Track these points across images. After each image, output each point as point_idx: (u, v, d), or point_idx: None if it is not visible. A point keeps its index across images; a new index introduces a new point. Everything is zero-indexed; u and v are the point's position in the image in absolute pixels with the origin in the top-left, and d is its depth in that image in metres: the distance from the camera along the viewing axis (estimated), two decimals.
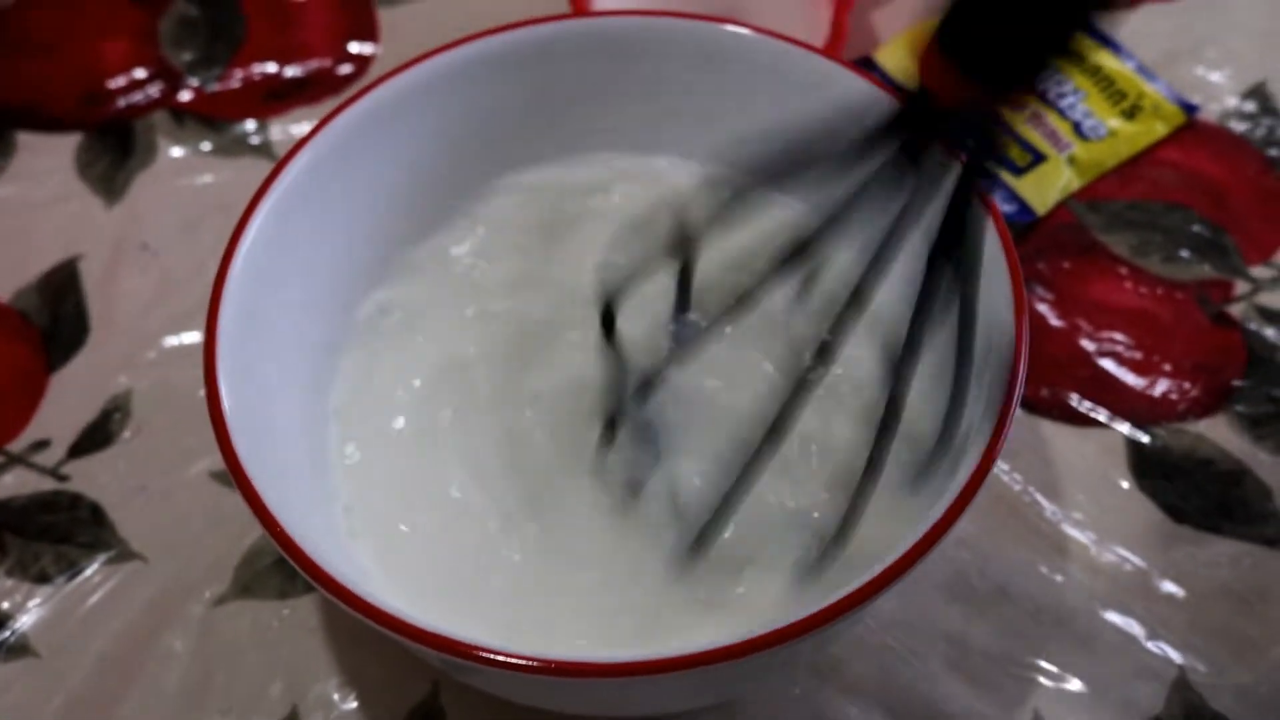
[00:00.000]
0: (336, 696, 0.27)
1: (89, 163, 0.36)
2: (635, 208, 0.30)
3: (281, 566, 0.28)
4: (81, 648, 0.27)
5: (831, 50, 0.34)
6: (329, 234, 0.28)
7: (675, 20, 0.28)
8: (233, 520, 0.28)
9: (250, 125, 0.37)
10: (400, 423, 0.27)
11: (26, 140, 0.37)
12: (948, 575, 0.28)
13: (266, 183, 0.26)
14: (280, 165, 0.26)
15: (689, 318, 0.26)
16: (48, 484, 0.30)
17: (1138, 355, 0.31)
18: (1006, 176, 0.34)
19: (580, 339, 0.27)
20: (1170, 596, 0.28)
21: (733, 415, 0.26)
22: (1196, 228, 0.34)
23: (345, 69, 0.38)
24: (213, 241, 0.33)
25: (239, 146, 0.36)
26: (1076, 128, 0.35)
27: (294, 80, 0.38)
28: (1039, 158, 0.35)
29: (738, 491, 0.23)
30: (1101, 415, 0.31)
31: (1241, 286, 0.33)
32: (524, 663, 0.20)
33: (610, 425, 0.26)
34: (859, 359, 0.26)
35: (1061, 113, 0.35)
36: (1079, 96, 0.36)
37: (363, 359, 0.28)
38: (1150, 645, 0.27)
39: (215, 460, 0.23)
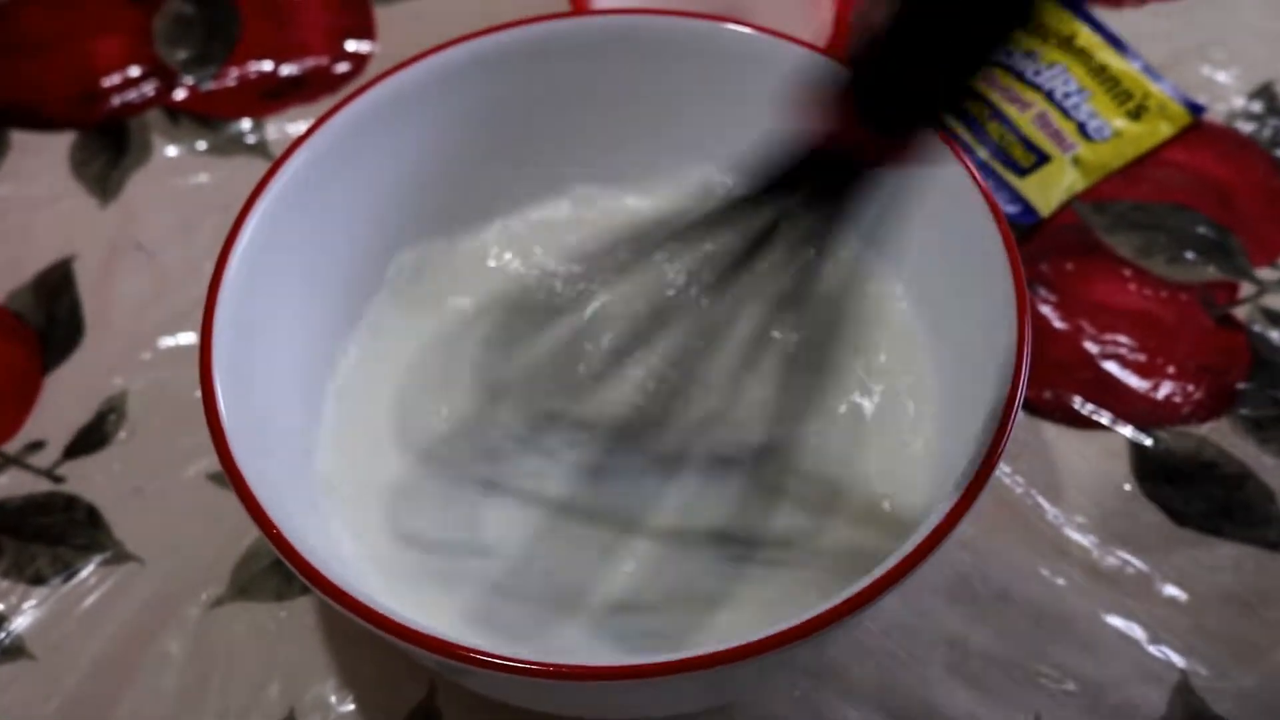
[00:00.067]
0: (334, 698, 0.27)
1: (83, 162, 0.36)
2: (636, 207, 0.30)
3: (278, 568, 0.28)
4: (77, 650, 0.27)
5: (833, 49, 0.33)
6: (326, 234, 0.27)
7: (676, 19, 0.28)
8: (229, 522, 0.28)
9: (246, 124, 0.36)
10: (398, 423, 0.27)
11: (20, 139, 0.36)
12: (949, 578, 0.28)
13: (262, 182, 0.26)
14: (276, 165, 0.26)
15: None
16: (43, 485, 0.30)
17: (1141, 357, 0.31)
18: (1010, 177, 0.34)
19: (582, 336, 0.27)
20: (1172, 600, 0.27)
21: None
22: (1202, 229, 0.33)
23: (342, 67, 0.38)
24: (208, 241, 0.33)
25: (234, 146, 0.36)
26: (1081, 128, 0.35)
27: (290, 79, 0.37)
28: (1043, 158, 0.34)
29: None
30: (1104, 418, 0.30)
31: (1247, 288, 0.32)
32: (520, 665, 0.20)
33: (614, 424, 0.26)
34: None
35: (1066, 113, 0.35)
36: (1084, 96, 0.35)
37: (360, 359, 0.28)
38: (1152, 649, 0.27)
39: (211, 461, 0.23)
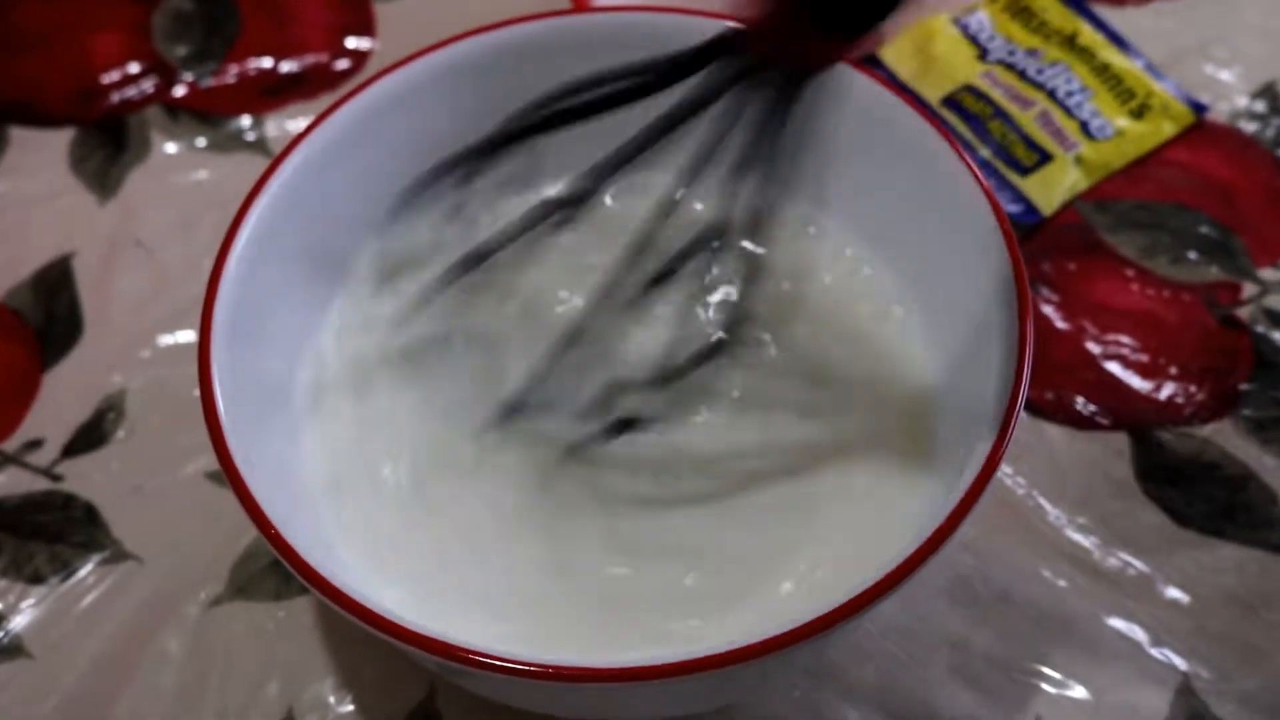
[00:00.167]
0: (332, 699, 0.26)
1: (82, 158, 0.36)
2: (636, 208, 0.30)
3: (277, 568, 0.28)
4: (76, 649, 0.27)
5: None
6: (325, 232, 0.27)
7: (678, 16, 0.28)
8: (228, 521, 0.28)
9: (246, 121, 0.36)
10: (399, 423, 0.27)
11: (19, 136, 0.36)
12: (950, 580, 0.28)
13: (262, 179, 0.26)
14: (276, 162, 0.26)
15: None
16: (41, 484, 0.30)
17: (1144, 358, 0.31)
18: (1012, 176, 0.34)
19: (586, 337, 0.27)
20: (1174, 602, 0.27)
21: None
22: (1205, 229, 0.33)
23: (342, 64, 0.38)
24: (207, 239, 0.33)
25: (234, 142, 0.36)
26: (1084, 127, 0.35)
27: (290, 76, 0.37)
28: (1045, 157, 0.34)
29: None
30: (1106, 419, 0.30)
31: (1250, 289, 0.32)
32: (520, 667, 0.20)
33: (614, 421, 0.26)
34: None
35: (1069, 111, 0.35)
36: (1086, 95, 0.35)
37: (359, 360, 0.28)
38: (1154, 651, 0.27)
39: (210, 460, 0.23)
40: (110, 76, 0.37)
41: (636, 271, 0.24)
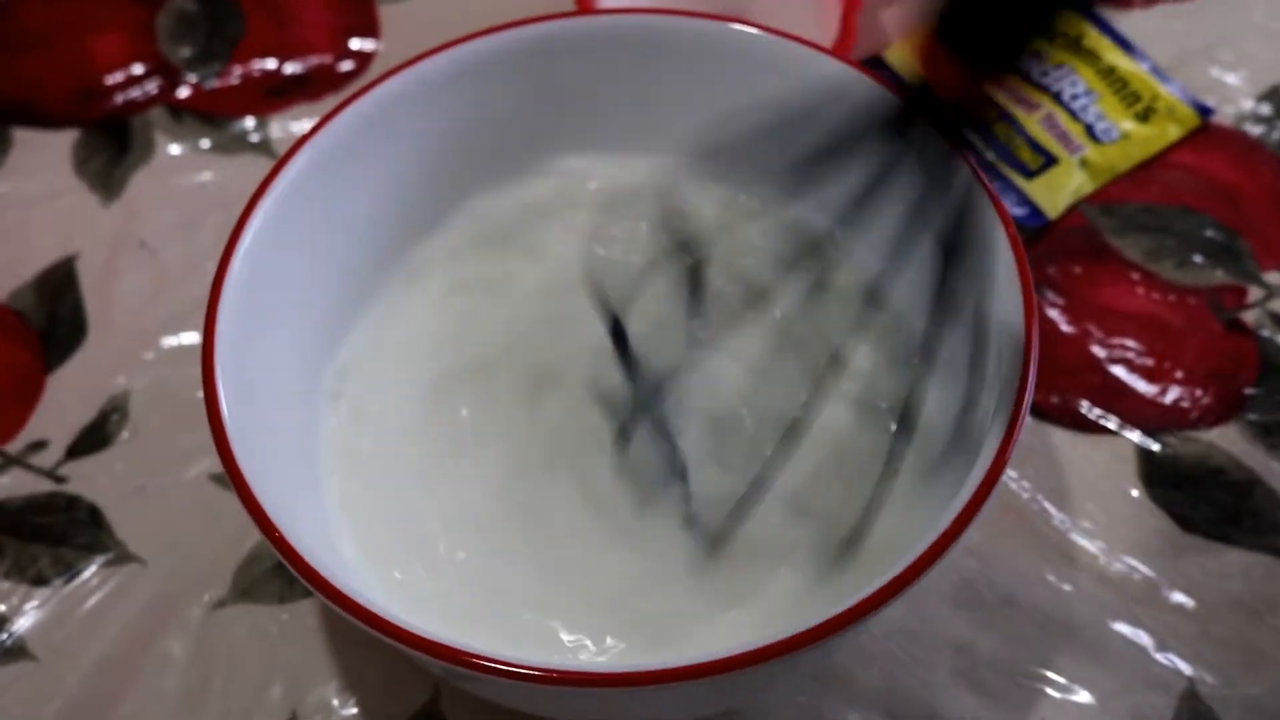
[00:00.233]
0: (336, 701, 0.26)
1: (85, 159, 0.36)
2: (640, 209, 0.30)
3: (281, 570, 0.28)
4: (79, 651, 0.27)
5: (840, 50, 0.33)
6: (329, 234, 0.27)
7: (683, 19, 0.28)
8: (232, 523, 0.28)
9: (250, 122, 0.36)
10: (402, 426, 0.27)
11: (22, 136, 0.36)
12: (955, 584, 0.28)
13: (266, 181, 0.26)
14: (280, 163, 0.26)
15: (701, 318, 0.26)
16: (45, 485, 0.30)
17: (1149, 362, 0.31)
18: (1017, 179, 0.34)
19: (595, 341, 0.27)
20: (1180, 607, 0.27)
21: (749, 417, 0.25)
22: (1210, 232, 0.33)
23: (346, 66, 0.38)
24: (211, 240, 0.33)
25: (238, 144, 0.36)
26: (1089, 130, 0.35)
27: (294, 77, 0.37)
28: (1050, 160, 0.34)
29: (754, 492, 0.23)
30: (1112, 423, 0.30)
31: (1255, 293, 0.32)
32: (525, 671, 0.20)
33: (623, 428, 0.25)
34: (864, 352, 0.26)
35: (1074, 114, 0.35)
36: (1092, 98, 0.35)
37: (363, 361, 0.28)
38: (1159, 656, 0.27)
39: (214, 462, 0.23)
40: (114, 77, 0.37)
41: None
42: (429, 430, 0.27)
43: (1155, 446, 0.30)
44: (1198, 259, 0.33)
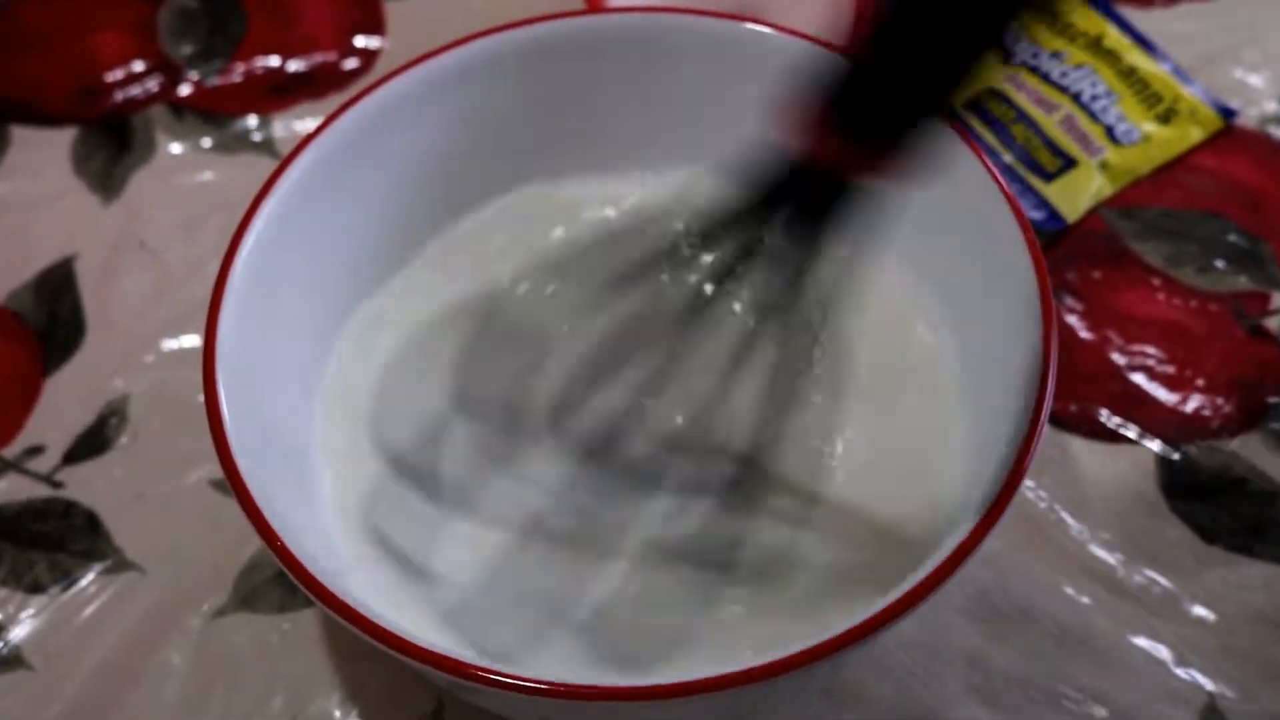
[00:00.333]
0: (338, 713, 0.26)
1: (85, 158, 0.35)
2: (646, 211, 0.29)
3: (282, 579, 0.27)
4: (77, 660, 0.27)
5: (850, 48, 0.33)
6: (334, 236, 0.27)
7: (694, 17, 0.28)
8: (232, 530, 0.28)
9: (252, 121, 0.36)
10: (405, 429, 0.27)
11: (21, 135, 0.36)
12: (970, 595, 0.27)
13: (269, 181, 0.25)
14: (284, 164, 0.25)
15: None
16: (42, 491, 0.29)
17: (1170, 370, 0.31)
18: (1035, 182, 0.34)
19: (590, 344, 0.27)
20: (1200, 620, 0.27)
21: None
22: (1232, 237, 0.33)
23: (351, 64, 0.37)
24: (213, 241, 0.32)
25: (240, 143, 0.35)
26: (1109, 132, 0.34)
27: (297, 75, 0.37)
28: (1069, 163, 0.34)
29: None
30: (1131, 432, 0.30)
31: (1278, 299, 0.32)
32: (530, 685, 0.20)
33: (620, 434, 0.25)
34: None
35: (1094, 116, 0.34)
36: (1112, 99, 0.35)
37: (366, 364, 0.28)
38: (1179, 670, 0.26)
39: (214, 468, 0.23)
40: (114, 75, 0.37)
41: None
42: (436, 439, 0.27)
43: (1176, 456, 0.29)
44: (1220, 264, 0.32)
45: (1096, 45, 0.36)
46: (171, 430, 0.30)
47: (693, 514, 0.25)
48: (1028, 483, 0.29)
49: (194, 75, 0.37)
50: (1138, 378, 0.31)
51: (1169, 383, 0.30)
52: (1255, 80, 0.36)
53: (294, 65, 0.37)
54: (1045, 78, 0.35)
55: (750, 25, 0.28)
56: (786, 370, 0.26)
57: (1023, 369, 0.23)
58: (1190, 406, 0.30)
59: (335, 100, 0.35)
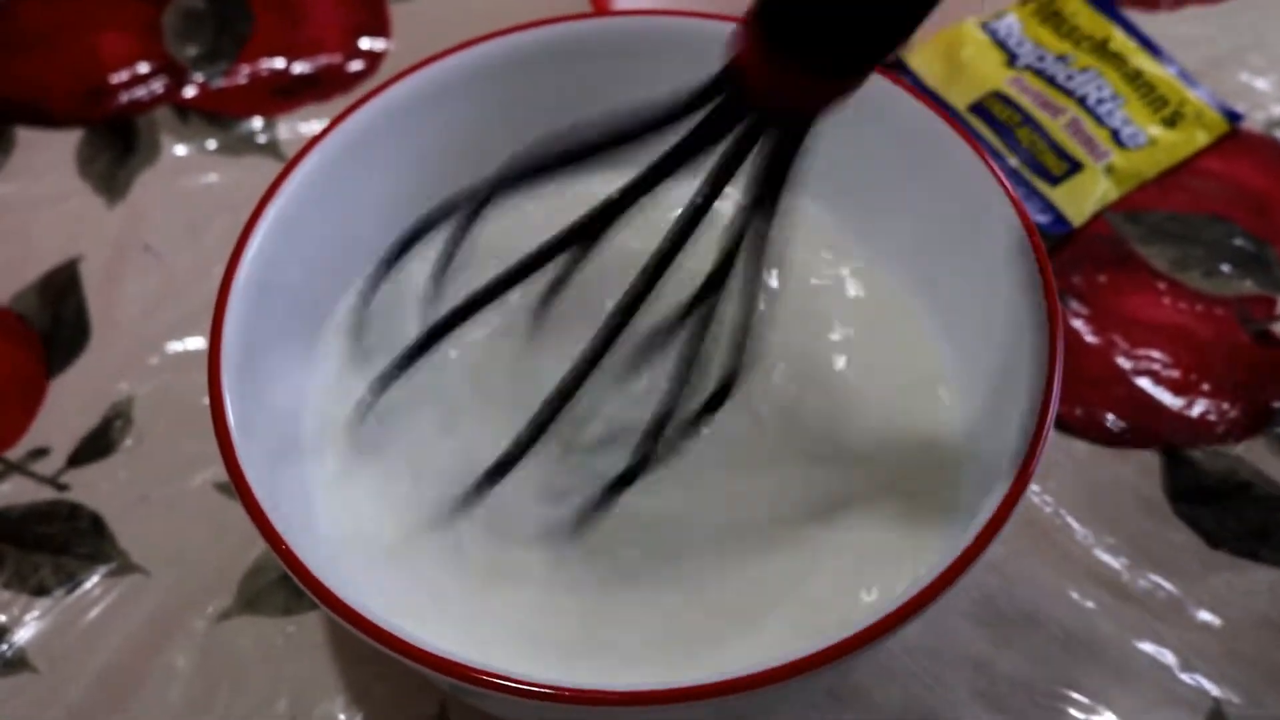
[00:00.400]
0: (343, 716, 0.26)
1: (90, 160, 0.35)
2: (653, 213, 0.29)
3: (286, 582, 0.27)
4: (81, 663, 0.27)
5: None
6: (339, 238, 0.27)
7: (701, 21, 0.28)
8: (237, 533, 0.28)
9: (257, 123, 0.36)
10: (409, 433, 0.27)
11: (26, 136, 0.36)
12: (975, 600, 0.27)
13: (275, 184, 0.25)
14: (289, 166, 0.25)
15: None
16: (46, 493, 0.29)
17: (1175, 374, 0.30)
18: (1041, 185, 0.34)
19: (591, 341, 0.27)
20: (1206, 625, 0.27)
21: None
22: (1238, 241, 0.33)
23: (356, 66, 0.37)
24: (217, 244, 0.32)
25: (245, 145, 0.35)
26: (1115, 135, 0.34)
27: (303, 77, 0.37)
28: (1075, 166, 0.34)
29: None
30: (1136, 436, 0.30)
31: None
32: (534, 689, 0.20)
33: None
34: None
35: (1099, 119, 0.34)
36: (1118, 103, 0.35)
37: (371, 366, 0.28)
38: (1184, 676, 0.26)
39: (219, 470, 0.23)
40: (119, 76, 0.37)
41: (631, 318, 0.23)
42: (439, 439, 0.27)
43: (1181, 461, 0.29)
44: (1225, 268, 0.32)
45: (1102, 48, 0.36)
46: (176, 433, 0.30)
47: (736, 514, 0.25)
48: (1033, 487, 0.29)
49: (199, 77, 0.37)
50: (1143, 382, 0.31)
51: (1174, 387, 0.30)
52: (1261, 84, 0.36)
53: (299, 67, 0.37)
54: (1051, 81, 0.35)
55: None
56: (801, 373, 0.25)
57: (1028, 373, 0.23)
58: (1196, 411, 0.30)
59: (340, 102, 0.35)
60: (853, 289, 0.28)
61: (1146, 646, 0.27)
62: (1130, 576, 0.27)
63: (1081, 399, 0.30)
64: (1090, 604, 0.27)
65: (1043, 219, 0.33)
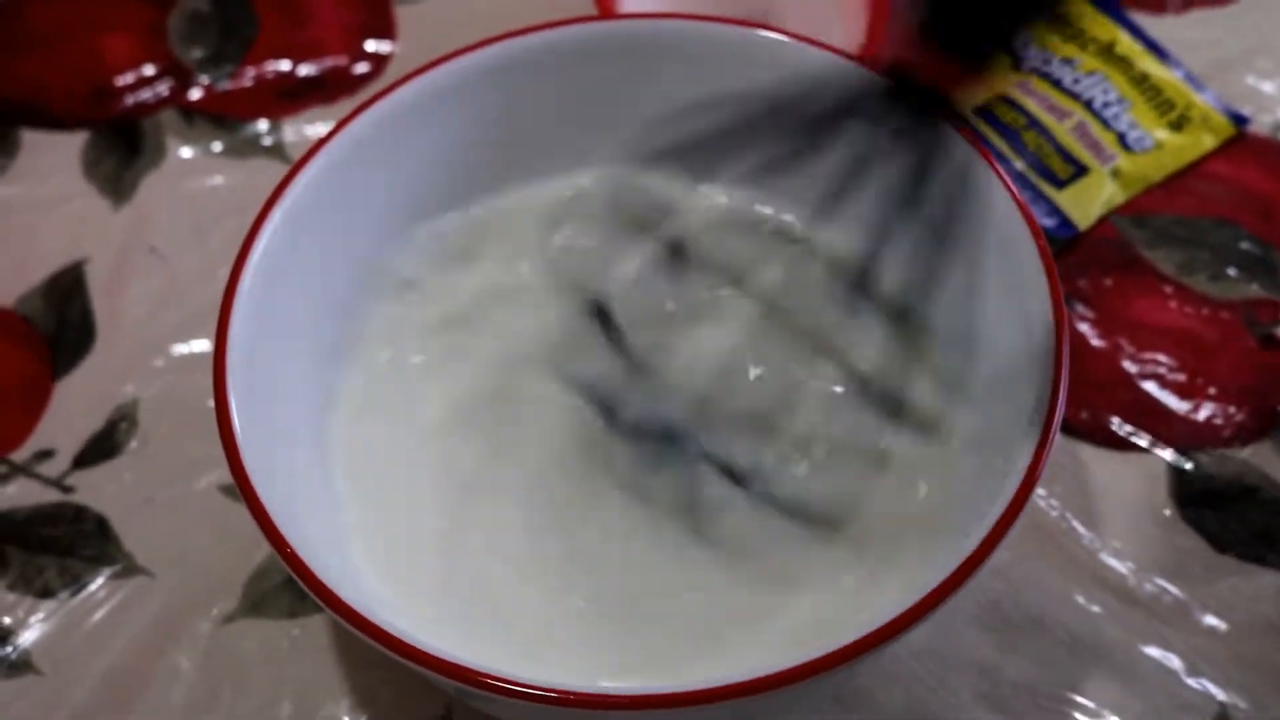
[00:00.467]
0: (347, 719, 0.26)
1: (95, 162, 0.35)
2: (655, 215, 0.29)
3: (292, 585, 0.27)
4: (86, 665, 0.27)
5: (867, 55, 0.33)
6: (345, 241, 0.27)
7: (706, 24, 0.28)
8: (242, 535, 0.28)
9: (263, 125, 0.36)
10: (413, 435, 0.27)
11: (31, 138, 0.36)
12: (981, 604, 0.27)
13: (280, 186, 0.25)
14: (295, 168, 0.25)
15: (681, 295, 0.26)
16: (51, 495, 0.29)
17: (1182, 378, 0.30)
18: (1047, 189, 0.33)
19: (604, 348, 0.27)
20: (1212, 630, 0.27)
21: (738, 391, 0.25)
22: (1245, 245, 0.33)
23: (361, 68, 0.37)
24: (223, 246, 0.32)
25: (251, 147, 0.35)
26: (1121, 139, 0.34)
27: (308, 79, 0.37)
28: (1081, 170, 0.33)
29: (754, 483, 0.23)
30: (1143, 440, 0.30)
31: None
32: (539, 693, 0.19)
33: (609, 410, 0.25)
34: (854, 333, 0.26)
35: (1106, 123, 0.34)
36: (1124, 106, 0.34)
37: (377, 368, 0.28)
38: (1190, 680, 0.26)
39: (224, 473, 0.23)
40: (124, 78, 0.37)
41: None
42: (445, 442, 0.27)
43: (1187, 465, 0.29)
44: (1232, 272, 0.32)
45: (1108, 52, 0.36)
46: (181, 435, 0.30)
47: (732, 514, 0.25)
48: (1039, 491, 0.29)
49: (204, 79, 0.37)
50: (1149, 386, 0.30)
51: (1181, 391, 0.30)
52: (1268, 87, 0.35)
53: (304, 69, 0.37)
54: (1057, 84, 0.35)
55: (761, 31, 0.27)
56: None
57: (1034, 377, 0.23)
58: (1202, 415, 0.30)
59: (346, 105, 0.35)
60: (815, 265, 0.28)
61: (1152, 651, 0.26)
62: (1136, 581, 0.27)
63: (1087, 402, 0.30)
64: (1096, 608, 0.27)
65: (1049, 222, 0.33)
